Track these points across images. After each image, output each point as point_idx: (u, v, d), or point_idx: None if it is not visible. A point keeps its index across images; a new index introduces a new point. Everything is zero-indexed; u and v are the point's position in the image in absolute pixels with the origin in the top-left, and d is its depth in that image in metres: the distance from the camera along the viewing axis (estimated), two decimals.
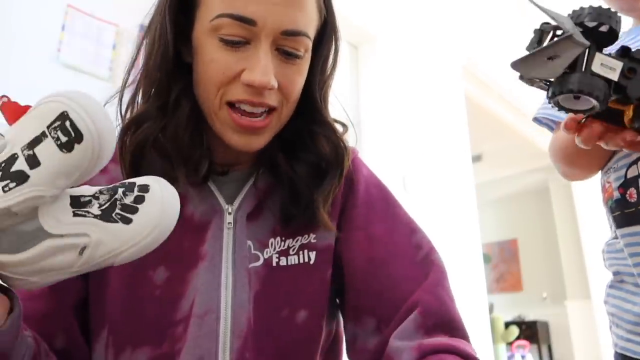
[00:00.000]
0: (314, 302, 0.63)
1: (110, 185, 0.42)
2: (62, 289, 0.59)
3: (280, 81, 0.57)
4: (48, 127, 0.37)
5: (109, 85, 1.72)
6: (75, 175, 0.38)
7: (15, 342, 0.45)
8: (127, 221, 0.40)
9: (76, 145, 0.36)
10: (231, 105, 0.58)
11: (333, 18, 0.64)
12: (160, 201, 0.41)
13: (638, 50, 0.51)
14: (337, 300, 0.69)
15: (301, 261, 0.63)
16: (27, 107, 0.39)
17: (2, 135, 0.39)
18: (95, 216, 0.40)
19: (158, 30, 0.60)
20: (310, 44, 0.60)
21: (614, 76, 0.50)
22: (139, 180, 0.42)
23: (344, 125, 0.69)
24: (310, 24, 0.59)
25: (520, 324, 5.72)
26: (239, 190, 0.65)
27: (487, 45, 3.48)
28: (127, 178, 0.58)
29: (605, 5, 0.59)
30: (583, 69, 0.50)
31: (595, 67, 0.50)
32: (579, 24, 0.51)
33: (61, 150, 0.36)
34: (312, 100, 0.64)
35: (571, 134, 0.64)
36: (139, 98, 0.62)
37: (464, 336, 0.60)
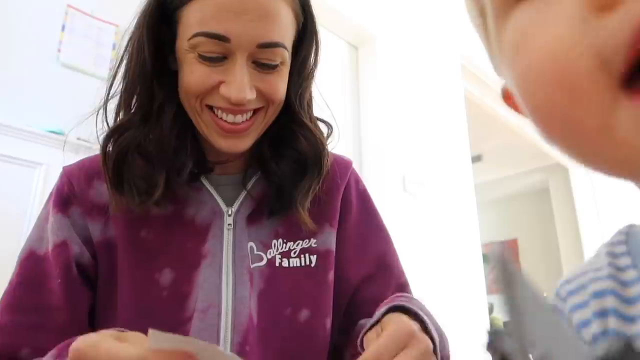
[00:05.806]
0: (316, 302, 0.67)
1: None
2: (78, 300, 0.61)
3: (260, 88, 0.60)
4: None
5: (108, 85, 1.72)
6: None
7: None
8: None
9: None
10: (210, 108, 0.61)
11: (312, 21, 0.67)
12: None
13: None
14: None
15: (302, 264, 0.67)
16: None
17: None
18: None
19: (136, 45, 0.62)
20: (286, 54, 0.62)
21: None
22: None
23: (328, 124, 0.72)
24: (286, 34, 0.61)
25: None
26: (237, 194, 0.68)
27: None
28: (111, 186, 0.61)
29: None
30: None
31: None
32: None
33: None
34: (289, 101, 0.67)
35: None
36: (122, 108, 0.65)
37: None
